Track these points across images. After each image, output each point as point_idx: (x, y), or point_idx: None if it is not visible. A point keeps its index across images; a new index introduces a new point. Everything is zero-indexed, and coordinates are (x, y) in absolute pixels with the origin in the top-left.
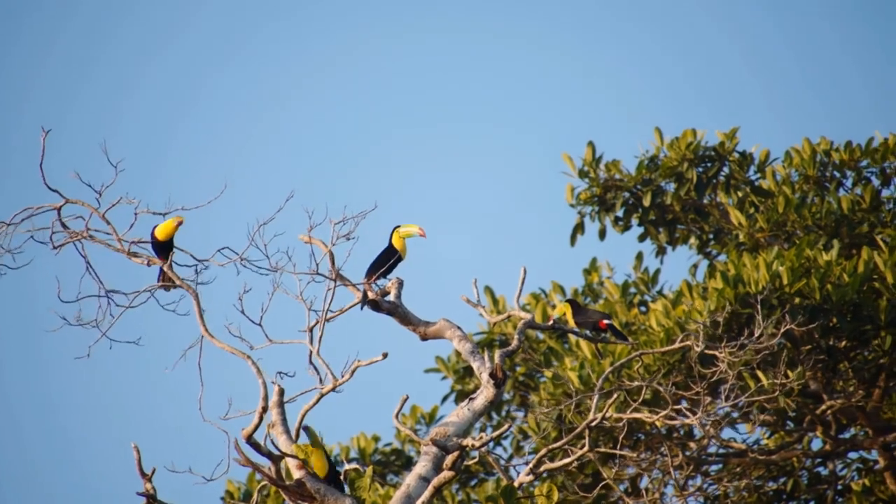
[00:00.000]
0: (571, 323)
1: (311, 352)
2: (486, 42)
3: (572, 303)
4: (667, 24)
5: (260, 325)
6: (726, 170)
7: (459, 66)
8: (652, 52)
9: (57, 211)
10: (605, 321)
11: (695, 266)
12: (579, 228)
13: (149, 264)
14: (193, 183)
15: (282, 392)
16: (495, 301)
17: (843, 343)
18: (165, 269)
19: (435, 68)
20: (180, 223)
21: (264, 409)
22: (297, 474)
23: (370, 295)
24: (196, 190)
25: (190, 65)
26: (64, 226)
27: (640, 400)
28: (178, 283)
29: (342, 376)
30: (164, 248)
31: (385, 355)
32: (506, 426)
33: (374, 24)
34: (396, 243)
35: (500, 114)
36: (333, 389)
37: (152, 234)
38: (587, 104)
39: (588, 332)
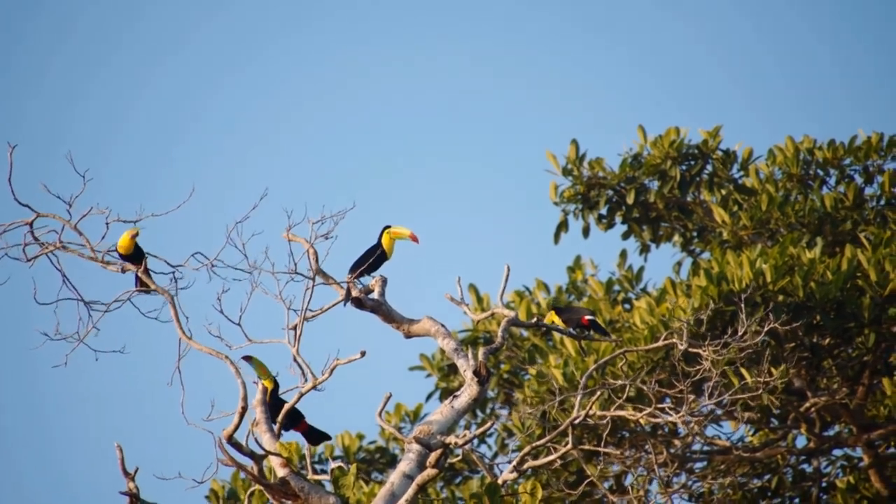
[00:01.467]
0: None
1: (292, 351)
2: (469, 39)
3: (556, 309)
4: (649, 24)
5: (239, 325)
6: (710, 168)
7: (440, 64)
8: (634, 51)
9: (29, 225)
10: (588, 317)
11: (678, 264)
12: (563, 226)
13: (123, 271)
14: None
15: (265, 391)
16: (479, 299)
17: (827, 340)
18: (140, 274)
19: (415, 65)
20: (135, 235)
21: (244, 409)
22: (281, 472)
23: (353, 292)
24: (174, 195)
25: (187, 75)
26: (36, 239)
27: (623, 397)
28: (153, 287)
29: (322, 375)
30: (133, 258)
31: (363, 353)
32: (490, 424)
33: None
34: (385, 243)
35: (483, 113)
36: (314, 388)
37: (116, 250)
38: (571, 102)
39: (572, 329)
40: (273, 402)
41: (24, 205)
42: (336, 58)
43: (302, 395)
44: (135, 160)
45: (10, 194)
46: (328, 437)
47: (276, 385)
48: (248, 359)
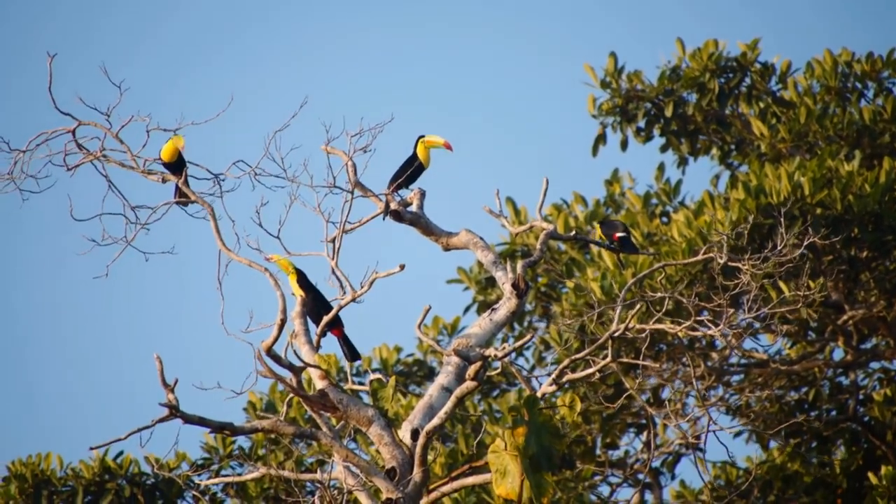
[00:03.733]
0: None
1: (331, 264)
2: None
3: (601, 223)
4: None
5: (278, 237)
6: (748, 81)
7: None
8: None
9: (72, 133)
10: (619, 234)
11: (716, 177)
12: (601, 139)
13: (164, 181)
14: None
15: (304, 302)
16: (517, 212)
17: (865, 254)
18: (180, 185)
19: None
20: (181, 146)
21: (283, 322)
22: (319, 384)
23: (392, 205)
24: (210, 104)
25: None
26: (80, 146)
27: (662, 311)
28: (193, 198)
29: (361, 288)
30: (174, 168)
31: (402, 267)
32: (528, 337)
33: None
34: (420, 153)
35: (522, 26)
36: (353, 301)
37: (160, 157)
38: (609, 16)
39: (608, 243)
40: (308, 292)
41: (66, 113)
42: None
43: (341, 307)
44: (173, 69)
45: (52, 103)
46: (358, 357)
47: (302, 274)
48: (271, 259)
